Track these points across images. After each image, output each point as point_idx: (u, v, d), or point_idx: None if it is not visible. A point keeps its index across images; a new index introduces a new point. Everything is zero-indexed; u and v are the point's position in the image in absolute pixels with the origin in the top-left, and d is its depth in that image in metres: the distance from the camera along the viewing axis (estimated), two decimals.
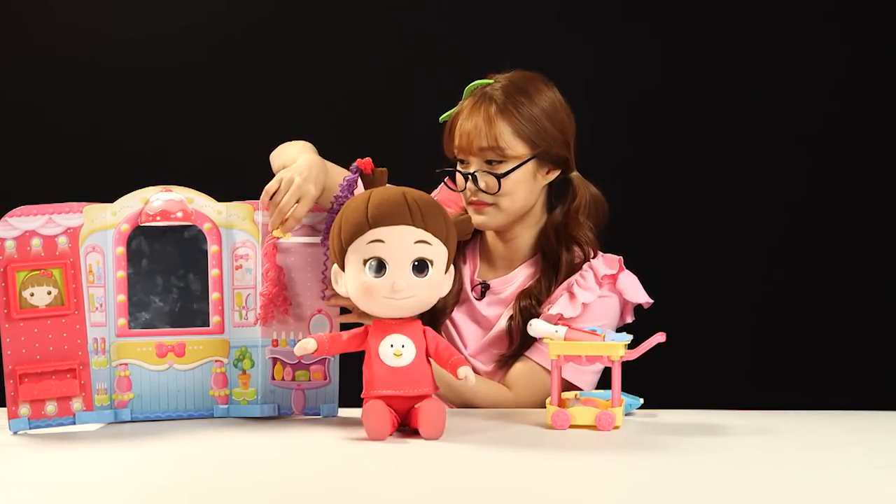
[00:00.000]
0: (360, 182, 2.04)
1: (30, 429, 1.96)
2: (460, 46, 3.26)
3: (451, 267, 1.96)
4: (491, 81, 2.29)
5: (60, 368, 1.97)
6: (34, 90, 3.33)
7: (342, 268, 1.94)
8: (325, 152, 2.24)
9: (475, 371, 2.13)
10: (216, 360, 2.06)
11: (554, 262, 2.29)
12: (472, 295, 2.34)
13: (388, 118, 3.28)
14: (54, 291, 1.97)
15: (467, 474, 1.70)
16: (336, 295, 2.01)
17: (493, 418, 2.08)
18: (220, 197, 2.08)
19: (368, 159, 2.04)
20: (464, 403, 2.20)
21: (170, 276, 2.05)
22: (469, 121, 2.25)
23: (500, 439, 1.91)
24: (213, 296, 2.05)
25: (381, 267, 1.90)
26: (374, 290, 1.90)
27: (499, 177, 2.24)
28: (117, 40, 3.34)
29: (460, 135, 2.26)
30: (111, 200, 2.02)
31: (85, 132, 3.33)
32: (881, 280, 3.33)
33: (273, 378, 2.07)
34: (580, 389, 2.19)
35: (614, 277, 2.26)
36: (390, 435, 1.89)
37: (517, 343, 2.25)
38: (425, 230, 1.90)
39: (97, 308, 2.00)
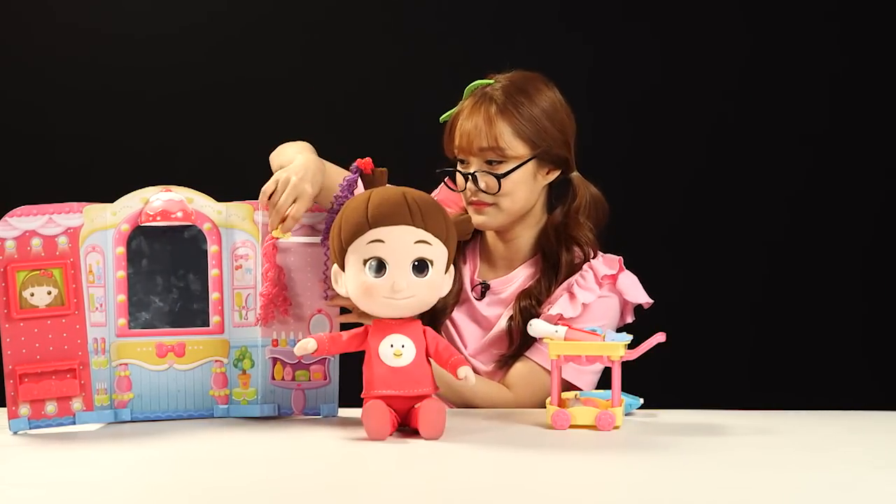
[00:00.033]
0: (360, 182, 2.04)
1: (30, 429, 1.96)
2: (460, 46, 3.26)
3: (451, 267, 1.96)
4: (491, 81, 2.29)
5: (60, 368, 1.97)
6: (34, 90, 3.33)
7: (342, 268, 1.94)
8: (325, 152, 2.24)
9: (475, 371, 2.13)
10: (216, 360, 2.06)
11: (554, 262, 2.29)
12: (472, 295, 2.34)
13: (388, 118, 3.28)
14: (54, 291, 1.97)
15: (467, 474, 1.70)
16: (338, 295, 2.01)
17: (493, 418, 2.08)
18: (220, 197, 2.08)
19: (368, 159, 2.04)
20: (464, 403, 2.20)
21: (170, 276, 2.05)
22: (469, 121, 2.25)
23: (500, 439, 1.91)
24: (213, 296, 2.06)
25: (381, 267, 1.90)
26: (374, 290, 1.90)
27: (499, 177, 2.24)
28: (117, 40, 3.34)
29: (460, 135, 2.26)
30: (111, 200, 2.02)
31: (85, 132, 3.32)
32: (881, 280, 3.33)
33: (273, 378, 2.07)
34: (580, 389, 2.19)
35: (614, 278, 2.26)
36: (390, 435, 1.89)
37: (517, 343, 2.25)
38: (425, 230, 1.90)
39: (97, 308, 2.00)
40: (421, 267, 1.91)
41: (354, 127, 3.25)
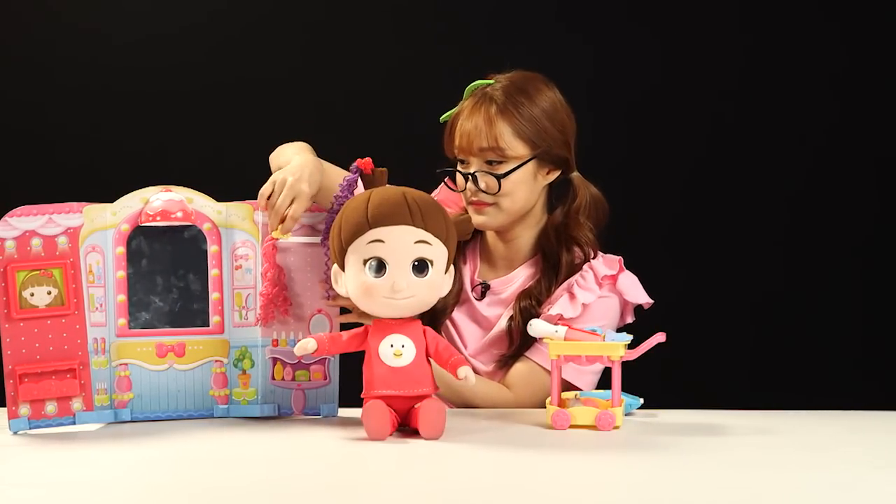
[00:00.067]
0: (360, 182, 2.04)
1: (30, 429, 1.96)
2: (460, 46, 3.26)
3: (451, 267, 1.96)
4: (491, 82, 2.29)
5: (60, 368, 1.97)
6: (34, 90, 3.33)
7: (342, 268, 1.94)
8: (325, 152, 2.24)
9: (475, 371, 2.13)
10: (216, 360, 2.06)
11: (554, 262, 2.29)
12: (472, 295, 2.34)
13: (388, 118, 3.28)
14: (54, 291, 1.97)
15: (467, 474, 1.70)
16: (339, 295, 2.01)
17: (493, 418, 2.08)
18: (220, 197, 2.08)
19: (368, 159, 2.04)
20: (464, 403, 2.20)
21: (170, 276, 2.05)
22: (469, 121, 2.25)
23: (500, 439, 1.91)
24: (213, 296, 2.06)
25: (381, 267, 1.90)
26: (374, 290, 1.90)
27: (499, 177, 2.24)
28: (117, 40, 3.34)
29: (460, 135, 2.26)
30: (111, 200, 2.02)
31: (85, 132, 3.32)
32: (881, 280, 3.33)
33: (273, 378, 2.07)
34: (580, 389, 2.19)
35: (614, 278, 2.26)
36: (390, 435, 1.89)
37: (517, 343, 2.25)
38: (425, 230, 1.90)
39: (97, 308, 2.00)
40: (421, 267, 1.91)
41: (354, 127, 3.25)
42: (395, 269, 1.90)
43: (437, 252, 1.92)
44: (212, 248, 2.05)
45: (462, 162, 2.28)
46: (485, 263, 2.38)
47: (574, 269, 2.27)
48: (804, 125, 3.30)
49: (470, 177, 2.26)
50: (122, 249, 2.02)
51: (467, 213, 2.22)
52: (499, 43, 3.29)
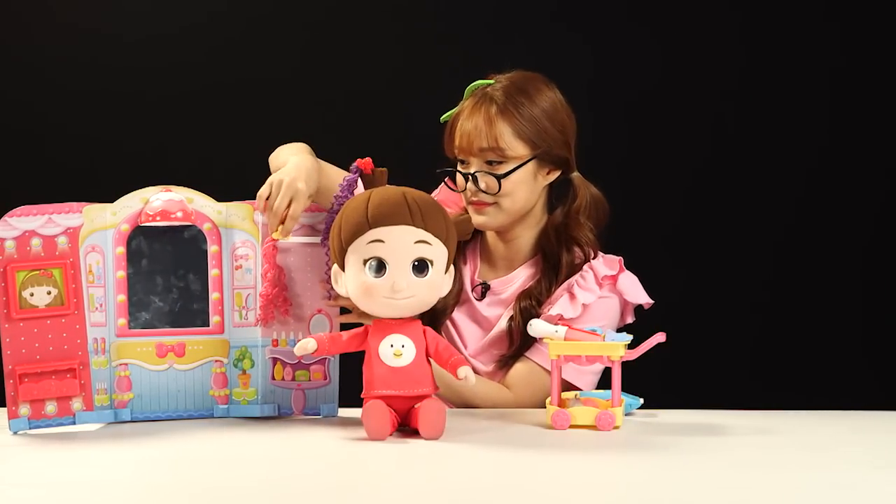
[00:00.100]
0: (360, 182, 2.04)
1: (30, 429, 1.96)
2: (460, 46, 3.26)
3: (451, 267, 1.96)
4: (492, 82, 2.29)
5: (60, 368, 1.97)
6: (34, 90, 3.33)
7: (342, 268, 1.94)
8: (325, 152, 2.24)
9: (475, 371, 2.13)
10: (216, 360, 2.06)
11: (554, 262, 2.29)
12: (472, 295, 2.34)
13: (388, 118, 3.28)
14: (54, 291, 1.97)
15: (467, 474, 1.69)
16: (339, 295, 2.01)
17: (493, 418, 2.08)
18: (220, 197, 2.08)
19: (368, 159, 2.04)
20: (464, 403, 2.20)
21: (170, 276, 2.05)
22: (469, 121, 2.25)
23: (500, 439, 1.91)
24: (213, 296, 2.06)
25: (381, 267, 1.90)
26: (374, 290, 1.90)
27: (499, 177, 2.24)
28: (117, 40, 3.34)
29: (461, 135, 2.26)
30: (111, 200, 2.02)
31: (85, 132, 3.32)
32: (882, 280, 3.33)
33: (273, 378, 2.07)
34: (580, 389, 2.19)
35: (614, 278, 2.26)
36: (390, 435, 1.89)
37: (517, 343, 2.25)
38: (425, 230, 1.90)
39: (97, 308, 2.00)
40: (421, 267, 1.91)
41: (354, 127, 3.25)
42: (395, 269, 1.90)
43: (437, 252, 1.92)
44: (212, 248, 2.05)
45: (462, 162, 2.28)
46: (485, 263, 2.38)
47: (574, 269, 2.27)
48: (804, 125, 3.30)
49: (470, 177, 2.26)
50: (122, 249, 2.02)
51: (467, 213, 2.22)
52: (499, 43, 3.29)
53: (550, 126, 2.26)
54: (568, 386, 2.19)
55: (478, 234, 2.36)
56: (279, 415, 2.08)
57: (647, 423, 2.04)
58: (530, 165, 2.25)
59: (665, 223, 3.29)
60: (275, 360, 2.08)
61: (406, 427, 1.92)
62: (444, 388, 2.07)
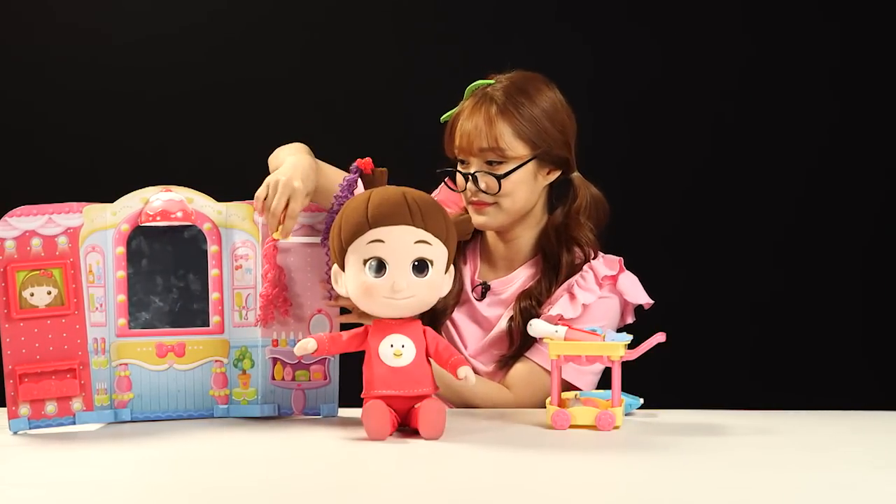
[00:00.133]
0: (360, 182, 2.04)
1: (30, 429, 1.96)
2: (460, 46, 3.26)
3: (451, 267, 1.96)
4: (492, 82, 2.29)
5: (60, 368, 1.97)
6: (34, 90, 3.33)
7: (342, 268, 1.94)
8: (326, 152, 2.24)
9: (475, 371, 2.13)
10: (216, 360, 2.06)
11: (554, 262, 2.29)
12: (472, 295, 2.34)
13: (388, 118, 3.28)
14: (54, 291, 1.97)
15: (467, 474, 1.69)
16: (339, 295, 2.01)
17: (493, 418, 2.08)
18: (220, 197, 2.08)
19: (368, 159, 2.04)
20: (463, 403, 2.20)
21: (170, 276, 2.05)
22: (469, 121, 2.25)
23: (500, 439, 1.91)
24: (213, 296, 2.06)
25: (381, 267, 1.90)
26: (374, 290, 1.90)
27: (499, 177, 2.24)
28: (117, 40, 3.34)
29: (461, 135, 2.26)
30: (111, 200, 2.02)
31: (85, 132, 3.32)
32: (881, 280, 3.33)
33: (273, 378, 2.07)
34: (580, 389, 2.19)
35: (615, 278, 2.26)
36: (390, 435, 1.89)
37: (517, 344, 2.25)
38: (425, 230, 1.90)
39: (97, 308, 2.00)
40: (421, 267, 1.91)
41: (354, 127, 3.25)
42: (395, 269, 1.90)
43: (437, 252, 1.92)
44: (212, 248, 2.05)
45: (462, 162, 2.28)
46: (485, 264, 2.38)
47: (574, 269, 2.27)
48: (805, 125, 3.30)
49: (470, 177, 2.26)
50: (122, 249, 2.02)
51: (467, 213, 2.22)
52: (499, 43, 3.29)
53: (550, 126, 2.26)
54: (568, 386, 2.19)
55: (478, 234, 2.36)
56: (279, 415, 2.08)
57: (647, 423, 2.04)
58: (530, 165, 2.25)
59: (665, 223, 3.29)
60: (275, 360, 2.08)
61: (406, 427, 1.92)
62: (444, 388, 2.07)
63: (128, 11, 3.36)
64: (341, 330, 2.05)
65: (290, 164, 2.08)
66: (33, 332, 1.96)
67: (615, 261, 2.28)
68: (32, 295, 1.96)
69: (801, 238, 3.32)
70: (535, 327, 1.99)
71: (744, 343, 3.33)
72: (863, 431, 2.03)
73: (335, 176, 2.17)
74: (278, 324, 2.07)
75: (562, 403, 2.00)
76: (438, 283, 1.94)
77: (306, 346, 1.93)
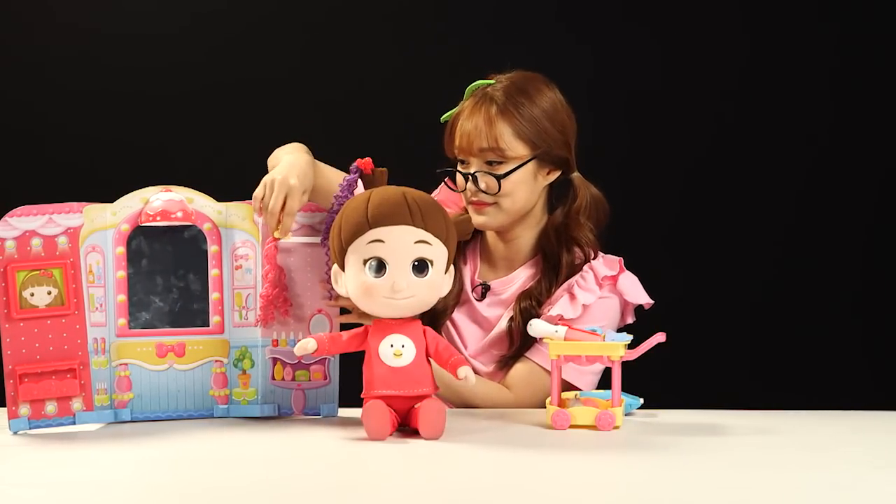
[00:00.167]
0: (360, 182, 2.04)
1: (30, 429, 1.96)
2: (460, 46, 3.26)
3: (451, 267, 1.96)
4: (492, 82, 2.29)
5: (60, 368, 1.97)
6: (34, 90, 3.33)
7: (342, 268, 1.94)
8: (326, 153, 2.24)
9: (475, 371, 2.13)
10: (216, 360, 2.06)
11: (554, 262, 2.29)
12: (472, 296, 2.34)
13: (388, 118, 3.28)
14: (54, 291, 1.97)
15: (467, 474, 1.70)
16: (339, 295, 2.01)
17: (493, 418, 2.08)
18: (220, 197, 2.08)
19: (368, 159, 2.04)
20: (463, 403, 2.20)
21: (170, 276, 2.05)
22: (469, 121, 2.25)
23: (500, 439, 1.91)
24: (213, 296, 2.06)
25: (381, 267, 1.90)
26: (374, 290, 1.90)
27: (499, 177, 2.24)
28: (117, 40, 3.34)
29: (461, 135, 2.26)
30: (111, 200, 2.02)
31: (85, 132, 3.32)
32: (881, 280, 3.33)
33: (273, 378, 2.07)
34: (580, 389, 2.19)
35: (615, 279, 2.26)
36: (390, 435, 1.89)
37: (517, 344, 2.25)
38: (425, 230, 1.90)
39: (97, 308, 2.00)
40: (421, 267, 1.91)
41: (354, 127, 3.25)
42: (395, 269, 1.90)
43: (437, 252, 1.92)
44: (212, 248, 2.05)
45: (462, 162, 2.28)
46: (485, 264, 2.38)
47: (574, 269, 2.27)
48: (804, 125, 3.30)
49: (470, 177, 2.26)
50: (122, 249, 2.02)
51: (467, 213, 2.22)
52: (499, 43, 3.29)
53: (550, 126, 2.26)
54: (568, 386, 2.19)
55: (478, 234, 2.36)
56: (279, 415, 2.08)
57: (647, 423, 2.04)
58: (530, 166, 2.25)
59: (665, 223, 3.29)
60: (275, 360, 2.08)
61: (406, 427, 1.92)
62: (444, 388, 2.07)
63: (128, 11, 3.36)
64: (341, 330, 2.05)
65: (286, 162, 2.08)
66: (33, 332, 1.96)
67: (615, 261, 2.28)
68: (32, 295, 1.96)
69: (801, 238, 3.32)
70: (535, 327, 1.99)
71: (744, 343, 3.33)
72: (863, 431, 2.03)
73: (334, 176, 2.17)
74: (278, 324, 2.07)
75: (562, 403, 2.00)
76: (438, 283, 1.94)
77: (306, 346, 1.93)
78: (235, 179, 2.25)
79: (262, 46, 3.35)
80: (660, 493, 1.58)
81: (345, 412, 2.08)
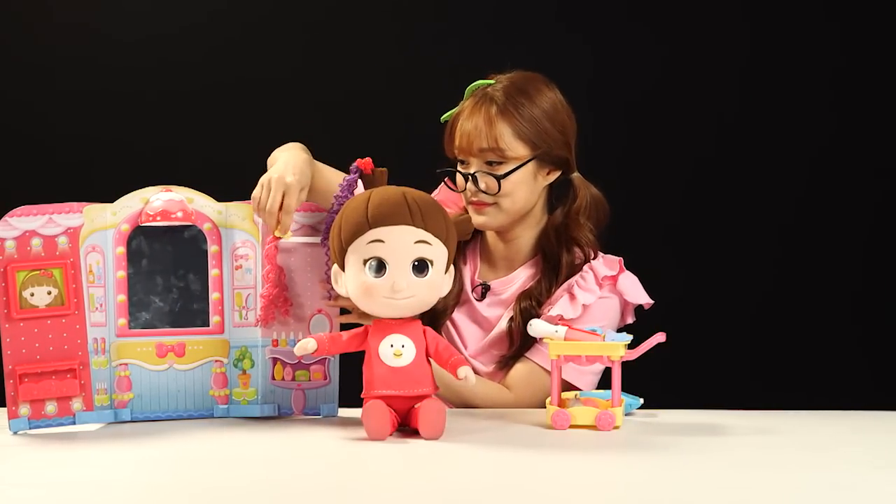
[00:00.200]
0: (360, 182, 2.04)
1: (30, 429, 1.96)
2: (460, 46, 3.26)
3: (451, 267, 1.96)
4: (492, 82, 2.29)
5: (60, 368, 1.97)
6: (34, 90, 3.34)
7: (342, 268, 1.94)
8: (326, 153, 2.24)
9: (475, 372, 2.13)
10: (216, 360, 2.06)
11: (554, 263, 2.29)
12: (472, 296, 2.34)
13: (388, 118, 3.28)
14: (54, 291, 1.97)
15: (467, 474, 1.70)
16: (339, 296, 2.01)
17: (493, 418, 2.08)
18: (220, 197, 2.08)
19: (368, 159, 2.04)
20: (463, 403, 2.20)
21: (170, 276, 2.05)
22: (469, 121, 2.25)
23: (500, 439, 1.91)
24: (213, 296, 2.06)
25: (381, 267, 1.90)
26: (374, 290, 1.90)
27: (499, 178, 2.24)
28: (117, 40, 3.34)
29: (461, 135, 2.26)
30: (111, 200, 2.02)
31: (85, 132, 3.33)
32: (881, 280, 3.33)
33: (273, 378, 2.07)
34: (580, 389, 2.19)
35: (615, 279, 2.26)
36: (390, 435, 1.89)
37: (517, 344, 2.25)
38: (425, 230, 1.90)
39: (97, 308, 2.00)
40: (421, 267, 1.91)
41: (355, 127, 3.25)
42: (395, 269, 1.90)
43: (437, 252, 1.92)
44: (212, 248, 2.05)
45: (462, 162, 2.28)
46: (485, 264, 2.38)
47: (574, 269, 2.27)
48: (805, 125, 3.30)
49: (470, 177, 2.26)
50: (122, 249, 2.02)
51: (467, 213, 2.22)
52: (499, 43, 3.29)
53: (550, 126, 2.26)
54: (568, 386, 2.19)
55: (478, 234, 2.36)
56: (279, 415, 2.08)
57: (647, 423, 2.04)
58: (530, 166, 2.25)
59: (665, 223, 3.29)
60: (275, 360, 2.08)
61: (406, 427, 1.92)
62: (444, 388, 2.07)
63: (128, 11, 3.36)
64: (341, 330, 2.05)
65: (283, 160, 2.08)
66: (33, 332, 1.96)
67: (615, 261, 2.28)
68: (32, 295, 1.96)
69: (801, 238, 3.32)
70: (535, 327, 1.99)
71: (744, 343, 3.33)
72: (863, 431, 2.03)
73: (334, 176, 2.17)
74: (278, 324, 2.07)
75: (562, 403, 2.00)
76: (438, 283, 1.94)
77: (306, 346, 1.93)
78: (235, 179, 2.25)
79: (262, 46, 3.35)
80: (660, 493, 1.58)
81: (345, 412, 2.08)
